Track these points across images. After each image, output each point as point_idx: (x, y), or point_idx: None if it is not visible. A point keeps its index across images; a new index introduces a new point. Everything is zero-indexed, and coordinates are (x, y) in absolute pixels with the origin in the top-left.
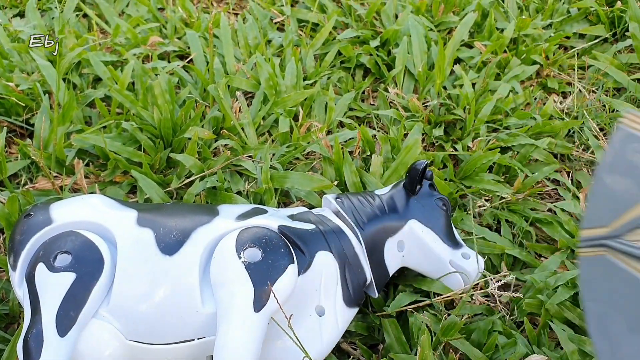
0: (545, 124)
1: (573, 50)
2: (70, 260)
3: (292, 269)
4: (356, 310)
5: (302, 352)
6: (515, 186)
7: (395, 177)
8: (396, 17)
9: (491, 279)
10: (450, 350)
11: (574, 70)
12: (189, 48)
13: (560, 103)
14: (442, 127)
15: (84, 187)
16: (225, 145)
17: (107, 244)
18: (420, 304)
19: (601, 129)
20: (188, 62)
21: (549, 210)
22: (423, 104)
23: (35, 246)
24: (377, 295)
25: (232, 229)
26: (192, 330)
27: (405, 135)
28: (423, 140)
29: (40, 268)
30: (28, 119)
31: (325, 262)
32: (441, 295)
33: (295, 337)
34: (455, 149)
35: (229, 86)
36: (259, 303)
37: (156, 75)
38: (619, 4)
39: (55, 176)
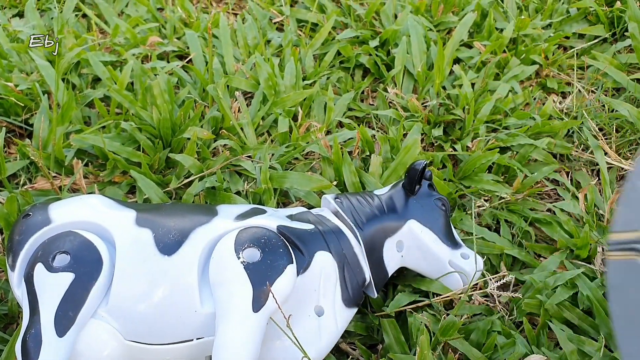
0: (545, 124)
1: (572, 50)
2: (68, 260)
3: (291, 269)
4: (355, 310)
5: (301, 352)
6: (514, 186)
7: (394, 177)
8: (395, 17)
9: (490, 279)
10: (450, 350)
11: (574, 70)
12: (188, 48)
13: (560, 103)
14: (442, 127)
15: (83, 187)
16: (225, 145)
17: (106, 244)
18: (420, 304)
19: (600, 129)
20: (187, 62)
21: (548, 210)
22: (422, 104)
23: (34, 246)
24: (376, 295)
25: (231, 229)
26: (190, 331)
27: (405, 135)
28: (422, 140)
29: (39, 268)
30: (27, 119)
31: (324, 263)
32: (440, 295)
33: (294, 337)
34: (455, 149)
35: (228, 86)
36: (258, 303)
37: (155, 75)
38: (618, 4)
39: (54, 176)
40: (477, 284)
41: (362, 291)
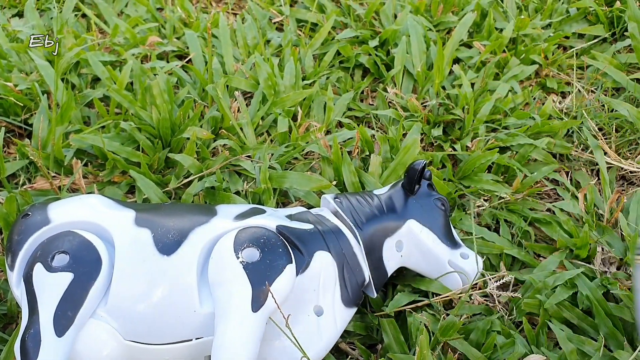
0: (544, 124)
1: (572, 50)
2: (67, 260)
3: (290, 269)
4: (354, 310)
5: (300, 352)
6: (514, 186)
7: (394, 177)
8: (395, 17)
9: (490, 279)
10: (449, 350)
11: (573, 70)
12: (187, 48)
13: (559, 103)
14: (441, 127)
15: (83, 187)
16: (224, 145)
17: (105, 244)
18: (419, 304)
19: (600, 129)
20: (187, 62)
21: (548, 210)
22: (422, 103)
23: (33, 246)
24: (375, 295)
25: (230, 229)
26: (190, 330)
27: (404, 135)
28: (422, 140)
29: (38, 268)
30: (26, 119)
31: (323, 262)
32: (440, 295)
33: (294, 337)
34: (454, 149)
35: (227, 86)
36: (257, 303)
37: (155, 75)
38: (618, 4)
39: (54, 176)
40: (476, 283)
41: (362, 291)
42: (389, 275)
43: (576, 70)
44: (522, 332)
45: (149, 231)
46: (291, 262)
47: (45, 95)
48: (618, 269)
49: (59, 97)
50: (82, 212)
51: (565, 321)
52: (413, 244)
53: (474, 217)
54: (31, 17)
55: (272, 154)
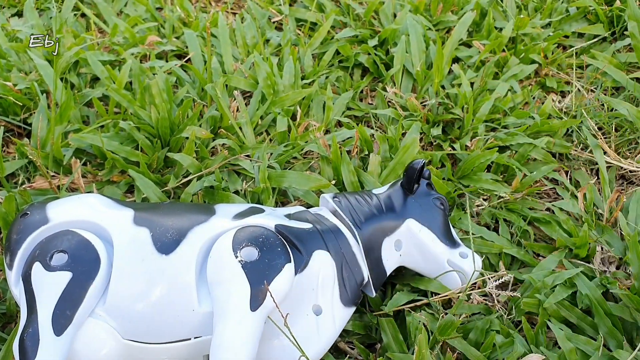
0: (544, 123)
1: (572, 49)
2: (66, 259)
3: (289, 268)
4: (353, 309)
5: (299, 351)
6: (513, 185)
7: (393, 176)
8: (394, 16)
9: (489, 278)
10: (448, 349)
11: (573, 69)
12: (186, 47)
13: (559, 102)
14: (440, 126)
15: (82, 187)
16: (223, 144)
17: (104, 243)
18: (418, 303)
19: (600, 128)
20: (186, 61)
21: (547, 209)
22: (421, 103)
23: (32, 245)
24: (374, 294)
25: (228, 228)
26: (188, 330)
27: (403, 134)
28: (421, 139)
29: (37, 267)
30: (26, 118)
31: (322, 262)
32: (439, 294)
33: (292, 336)
34: (454, 148)
35: (226, 85)
36: (256, 302)
37: (154, 74)
38: (617, 3)
39: (53, 175)
40: (475, 283)
41: (361, 290)
42: (387, 274)
43: (576, 70)
44: (521, 332)
45: (148, 230)
46: (290, 262)
47: (45, 94)
48: (617, 268)
49: (58, 96)
50: (81, 211)
51: (564, 320)
52: (412, 243)
53: (473, 217)
54: (30, 17)
55: (271, 154)
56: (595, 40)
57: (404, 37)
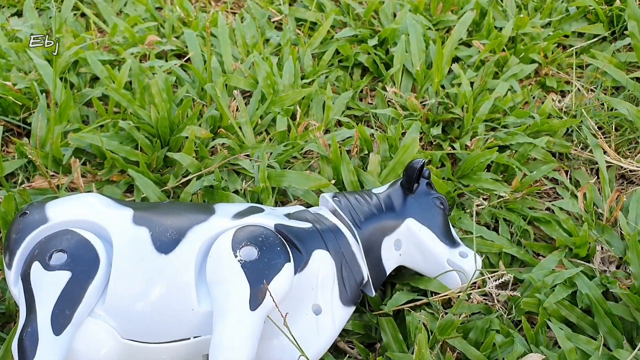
0: (544, 123)
1: (572, 49)
2: (65, 258)
3: (289, 267)
4: (353, 309)
5: (299, 351)
6: (513, 185)
7: (392, 175)
8: (394, 15)
9: (489, 278)
10: (448, 349)
11: (573, 69)
12: (186, 47)
13: (559, 102)
14: (440, 125)
15: (81, 186)
16: (223, 144)
17: (103, 243)
18: (418, 303)
19: (600, 128)
20: (186, 61)
21: (547, 209)
22: (421, 102)
23: (31, 245)
24: (374, 293)
25: (228, 227)
26: (188, 329)
27: (403, 134)
28: (421, 139)
29: (36, 267)
30: (25, 118)
31: (322, 261)
32: (438, 294)
33: (292, 336)
34: (453, 148)
35: (226, 85)
36: (255, 302)
37: (153, 74)
38: (617, 3)
39: (52, 175)
40: (475, 282)
41: (360, 290)
42: (387, 274)
43: (576, 69)
44: (521, 331)
45: (147, 230)
46: (289, 261)
47: (44, 94)
48: (617, 267)
49: (57, 96)
50: (80, 210)
51: (564, 320)
52: (412, 243)
53: (473, 216)
54: (30, 16)
55: (271, 153)
56: (595, 39)
57: (403, 36)
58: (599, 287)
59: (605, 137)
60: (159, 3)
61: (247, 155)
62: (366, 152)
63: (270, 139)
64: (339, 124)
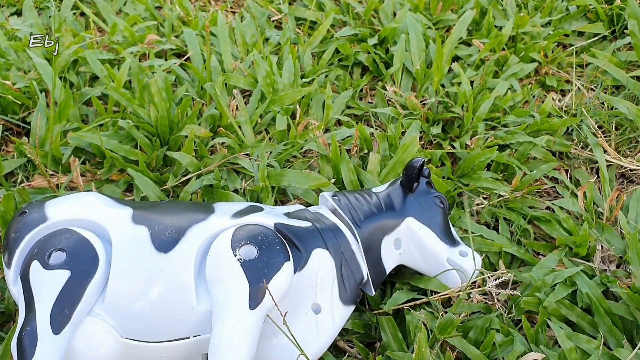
0: (544, 122)
1: (572, 48)
2: (64, 257)
3: (288, 266)
4: (353, 308)
5: (298, 350)
6: (513, 184)
7: (392, 174)
8: (394, 14)
9: (489, 277)
10: (447, 348)
11: (573, 68)
12: (186, 46)
13: (559, 101)
14: (440, 125)
15: (80, 185)
16: (222, 143)
17: (102, 242)
18: (417, 302)
19: (600, 127)
20: (185, 60)
21: (547, 208)
22: (421, 101)
23: (30, 244)
24: (373, 293)
25: (227, 226)
26: (187, 328)
27: (403, 133)
28: (421, 138)
29: (35, 266)
30: (24, 117)
31: (321, 260)
32: (438, 293)
33: (291, 335)
34: (453, 147)
35: (226, 84)
36: (255, 301)
37: (153, 73)
38: (617, 2)
39: (52, 174)
40: (475, 281)
41: (360, 289)
42: (387, 273)
43: (576, 68)
44: (521, 330)
45: (147, 229)
46: (289, 260)
47: (44, 93)
48: (618, 267)
49: (57, 95)
50: (80, 209)
51: (564, 319)
52: (412, 242)
53: (473, 215)
54: (29, 16)
55: (271, 152)
56: (596, 38)
57: (403, 35)
58: (599, 286)
59: (605, 136)
60: (158, 2)
61: (247, 155)
62: (366, 151)
63: (269, 138)
64: (339, 123)
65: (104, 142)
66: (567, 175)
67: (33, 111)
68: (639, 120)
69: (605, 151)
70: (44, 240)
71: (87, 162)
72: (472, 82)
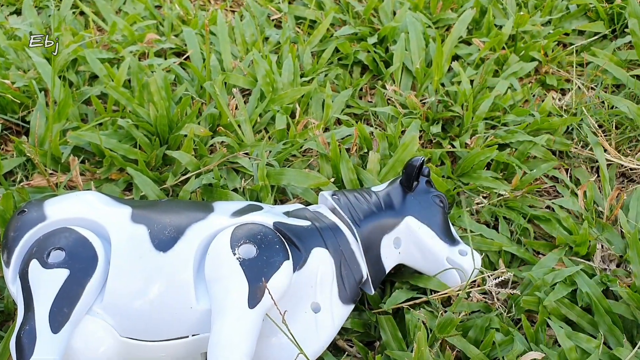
0: (544, 121)
1: (572, 47)
2: (63, 256)
3: (287, 265)
4: (352, 307)
5: (298, 349)
6: (513, 183)
7: (392, 174)
8: (394, 13)
9: (489, 276)
10: (447, 347)
11: (573, 67)
12: (185, 45)
13: (559, 100)
14: (440, 124)
15: (80, 185)
16: (222, 142)
17: (101, 241)
18: (417, 301)
19: (600, 126)
20: (185, 59)
21: (547, 207)
22: (421, 100)
23: (29, 243)
24: (373, 292)
25: (226, 225)
26: (186, 327)
27: (403, 132)
28: (420, 137)
29: (34, 264)
30: (24, 116)
31: (321, 259)
32: (438, 292)
33: (291, 334)
34: (453, 146)
35: (225, 83)
36: (254, 299)
37: (152, 72)
38: (618, 1)
39: (51, 173)
40: (475, 281)
41: (359, 288)
42: (386, 272)
43: (576, 67)
44: (521, 330)
45: (146, 228)
46: (288, 259)
47: (43, 92)
48: (618, 266)
49: (56, 94)
50: (79, 208)
51: (564, 318)
52: (411, 241)
53: (473, 214)
54: (29, 15)
55: (270, 151)
56: (596, 37)
57: (403, 34)
58: (599, 285)
59: (605, 135)
60: (158, 1)
61: (246, 154)
62: (366, 150)
63: (269, 137)
64: (339, 122)
65: (104, 141)
66: (567, 174)
67: (32, 110)
68: (639, 119)
69: (605, 150)
70: (43, 239)
71: (86, 161)
72: (472, 81)
